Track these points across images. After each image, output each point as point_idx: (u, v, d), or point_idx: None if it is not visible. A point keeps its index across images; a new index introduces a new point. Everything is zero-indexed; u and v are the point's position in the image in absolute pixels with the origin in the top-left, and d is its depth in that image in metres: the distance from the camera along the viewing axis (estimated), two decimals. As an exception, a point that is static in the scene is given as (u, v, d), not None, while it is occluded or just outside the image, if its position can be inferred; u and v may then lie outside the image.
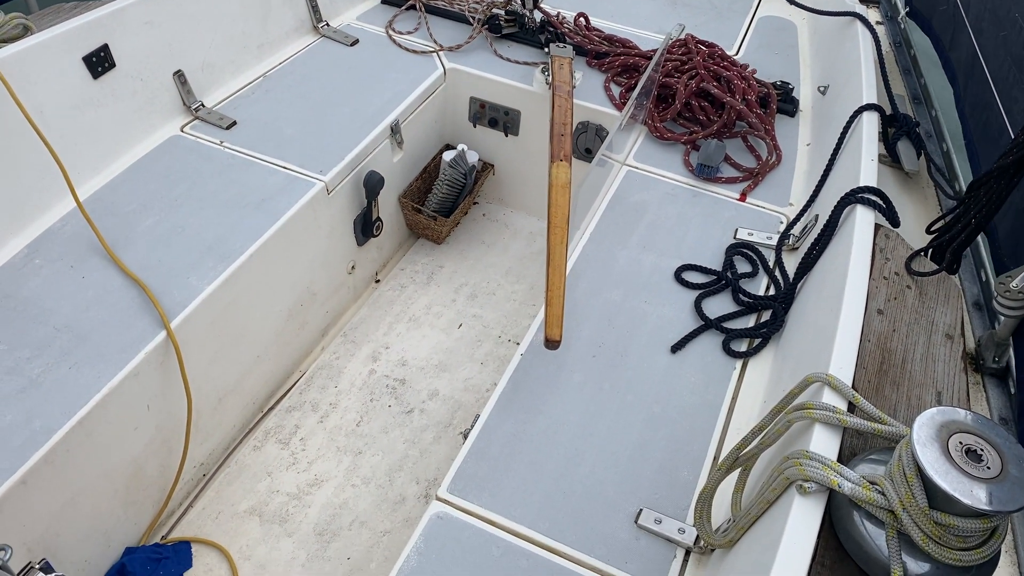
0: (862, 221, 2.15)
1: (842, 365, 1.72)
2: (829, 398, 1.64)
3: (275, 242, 2.66)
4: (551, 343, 2.13)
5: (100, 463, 2.21)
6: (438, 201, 3.37)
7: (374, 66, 3.35)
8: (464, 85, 3.43)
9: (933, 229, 2.33)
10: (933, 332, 1.91)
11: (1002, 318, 2.04)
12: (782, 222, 2.78)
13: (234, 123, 3.02)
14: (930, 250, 2.22)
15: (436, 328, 3.20)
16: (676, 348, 2.36)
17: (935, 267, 2.06)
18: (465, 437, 2.13)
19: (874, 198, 2.20)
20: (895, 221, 2.20)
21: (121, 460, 2.28)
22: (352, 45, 3.46)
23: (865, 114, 2.61)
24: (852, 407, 1.63)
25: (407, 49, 3.46)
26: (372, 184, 2.98)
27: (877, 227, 2.19)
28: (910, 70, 3.47)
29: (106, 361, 2.19)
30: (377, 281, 3.40)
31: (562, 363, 2.29)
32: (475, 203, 3.74)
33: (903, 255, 2.11)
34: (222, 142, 2.93)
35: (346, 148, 2.95)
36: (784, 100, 3.23)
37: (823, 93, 3.22)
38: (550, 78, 3.09)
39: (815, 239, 2.36)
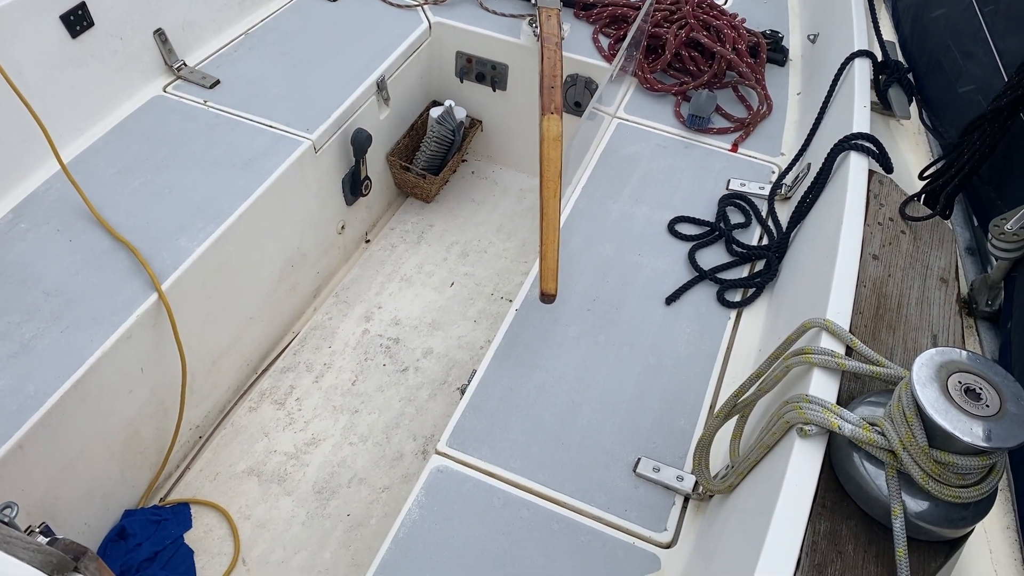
0: (856, 167, 2.14)
1: (839, 311, 1.73)
2: (827, 343, 1.64)
3: (264, 202, 2.63)
4: (547, 297, 2.12)
5: (96, 426, 2.20)
6: (426, 159, 3.33)
7: (358, 22, 3.29)
8: (450, 39, 3.38)
9: (927, 175, 2.33)
10: (928, 276, 1.92)
11: (995, 262, 2.05)
12: (774, 172, 2.77)
13: (217, 82, 2.96)
14: (924, 195, 2.22)
15: (428, 287, 3.19)
16: (671, 300, 2.36)
17: (929, 212, 2.06)
18: (462, 392, 2.13)
19: (868, 144, 2.19)
20: (888, 167, 2.20)
21: (117, 423, 2.27)
22: (335, 0, 3.40)
23: (857, 61, 2.59)
24: (850, 351, 1.64)
25: (391, 3, 3.40)
26: (360, 142, 2.95)
27: (871, 173, 2.18)
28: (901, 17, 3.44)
29: (98, 324, 2.17)
30: (367, 241, 3.37)
31: (557, 317, 2.29)
32: (464, 160, 3.71)
33: (897, 200, 2.10)
34: (206, 101, 2.88)
35: (332, 106, 2.91)
36: (774, 49, 3.20)
37: (813, 42, 3.19)
38: (538, 30, 3.04)
39: (808, 187, 2.35)
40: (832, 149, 2.24)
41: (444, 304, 3.13)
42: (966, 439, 1.29)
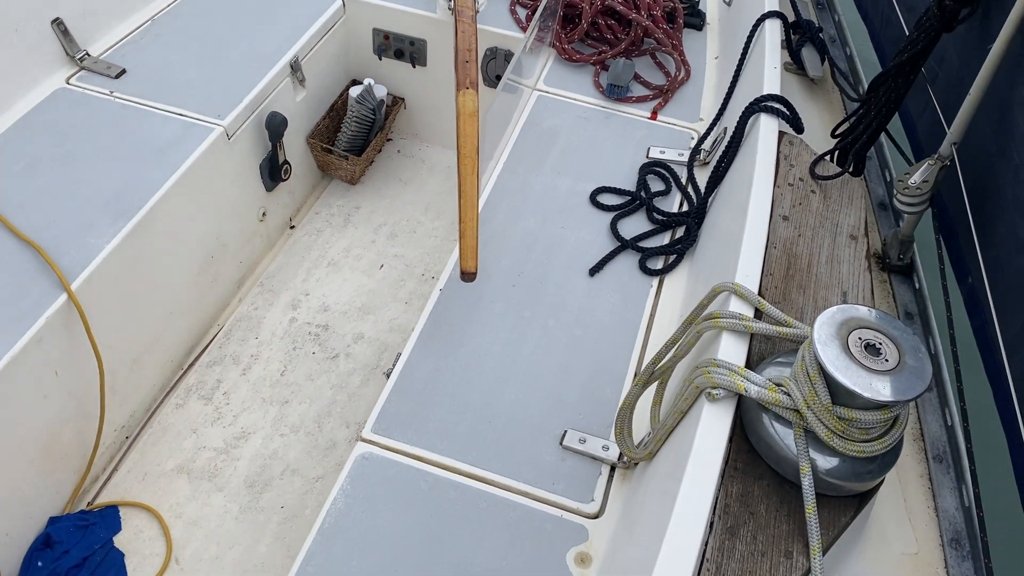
0: (766, 129, 2.17)
1: (748, 273, 1.75)
2: (736, 306, 1.66)
3: (177, 193, 2.56)
4: (467, 275, 2.11)
5: (10, 435, 2.14)
6: (348, 139, 3.28)
7: (269, 3, 3.21)
8: (365, 16, 3.32)
9: (837, 133, 2.37)
10: (837, 234, 1.95)
11: (905, 216, 2.10)
12: (693, 138, 2.79)
13: (123, 71, 2.87)
14: (835, 153, 2.25)
15: (357, 271, 3.15)
16: (594, 271, 2.37)
17: (838, 171, 2.09)
18: (388, 377, 2.12)
19: (777, 106, 2.22)
20: (799, 127, 2.22)
21: (33, 429, 2.21)
22: (246, -21, 3.30)
23: (767, 22, 2.61)
24: (759, 313, 1.66)
25: (302, -19, 3.32)
26: (275, 126, 2.89)
27: (781, 135, 2.21)
28: None
29: (3, 330, 2.10)
30: (292, 227, 3.32)
31: (482, 295, 2.28)
32: (388, 139, 3.66)
33: (807, 161, 2.14)
34: (112, 92, 2.79)
35: (244, 90, 2.85)
36: (690, 14, 3.21)
37: (728, 4, 3.21)
38: (452, 4, 3.00)
39: (723, 152, 2.37)
40: (743, 112, 2.26)
41: (374, 287, 3.10)
42: (866, 394, 1.32)
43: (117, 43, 2.99)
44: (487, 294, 2.29)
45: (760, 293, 1.79)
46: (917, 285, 2.13)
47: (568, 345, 2.17)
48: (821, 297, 1.80)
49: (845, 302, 1.81)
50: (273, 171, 3.02)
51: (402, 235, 3.30)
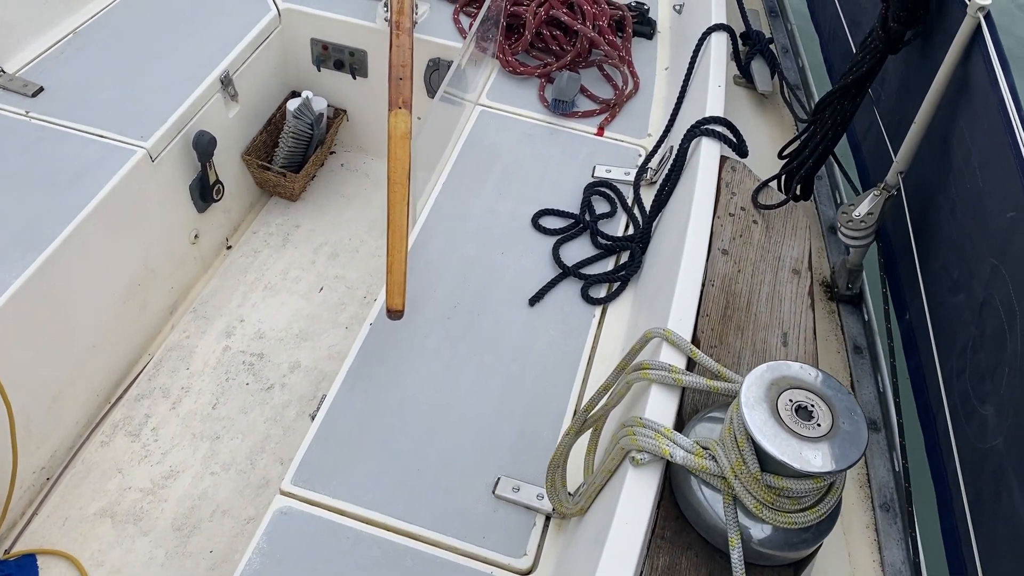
0: (707, 155, 2.07)
1: (681, 317, 1.66)
2: (667, 355, 1.57)
3: (95, 221, 2.43)
4: (393, 314, 2.01)
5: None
6: (285, 155, 3.15)
7: (199, 14, 3.07)
8: (302, 26, 3.19)
9: (784, 154, 2.28)
10: (780, 268, 1.86)
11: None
12: (640, 155, 2.69)
13: (41, 89, 2.72)
14: (781, 177, 2.17)
15: (295, 294, 3.03)
16: (534, 300, 2.27)
17: (782, 199, 2.00)
18: (313, 419, 2.01)
19: (720, 129, 2.12)
20: (742, 151, 2.13)
21: (-66, 482, 2.08)
22: (174, -13, 3.16)
23: (713, 36, 2.52)
24: (692, 363, 1.57)
25: (235, -11, 3.17)
26: (203, 145, 2.75)
27: (724, 160, 2.11)
28: None
29: None
30: (228, 247, 3.19)
31: (415, 329, 2.18)
32: (332, 153, 3.53)
33: (750, 187, 2.04)
34: (27, 112, 2.64)
35: (170, 108, 2.71)
36: (640, 22, 3.11)
37: (679, 12, 3.11)
38: (389, 15, 2.88)
39: (667, 174, 2.28)
40: (685, 135, 2.17)
41: (313, 312, 2.98)
42: (797, 465, 1.23)
43: (35, 58, 2.84)
44: (420, 328, 2.18)
45: (695, 335, 1.70)
46: (866, 317, 2.05)
47: (504, 383, 2.07)
48: (760, 339, 1.71)
49: (785, 344, 1.73)
50: (204, 192, 2.89)
51: (344, 255, 3.17)
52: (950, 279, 1.56)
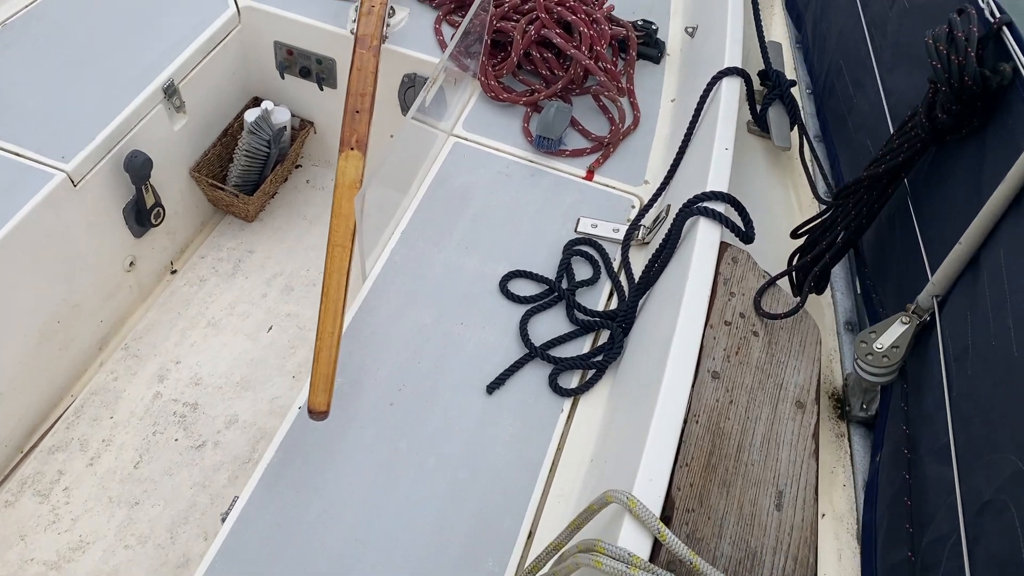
0: (703, 241, 1.75)
1: (653, 475, 1.35)
2: (627, 534, 1.26)
3: (2, 254, 2.13)
4: (315, 414, 1.70)
5: None
6: (239, 175, 2.84)
7: (147, 8, 2.73)
8: (264, 27, 2.85)
9: (799, 234, 1.95)
10: (780, 400, 1.55)
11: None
12: (634, 206, 2.36)
13: None
14: (792, 273, 1.84)
15: (240, 333, 2.73)
16: (493, 387, 1.96)
17: (791, 307, 1.67)
18: (223, 522, 1.72)
19: (720, 209, 1.79)
20: (747, 236, 1.80)
21: None
22: (120, -22, 2.82)
23: (724, 82, 2.17)
24: (658, 545, 1.27)
25: (191, -20, 2.83)
26: (136, 168, 2.44)
27: (724, 247, 1.79)
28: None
29: None
30: (174, 271, 2.88)
31: (351, 417, 1.88)
32: (297, 166, 3.21)
33: (753, 285, 1.72)
34: None
35: (100, 123, 2.40)
36: (646, 43, 2.75)
37: (691, 35, 2.75)
38: (353, 26, 2.53)
39: (657, 249, 1.95)
40: (679, 213, 1.84)
41: (258, 355, 2.68)
42: None
43: None
44: (357, 416, 1.88)
45: (670, 492, 1.39)
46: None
47: (449, 496, 1.77)
48: (749, 499, 1.40)
49: (779, 507, 1.42)
50: (140, 217, 2.59)
51: (299, 288, 2.87)
52: (990, 443, 1.25)
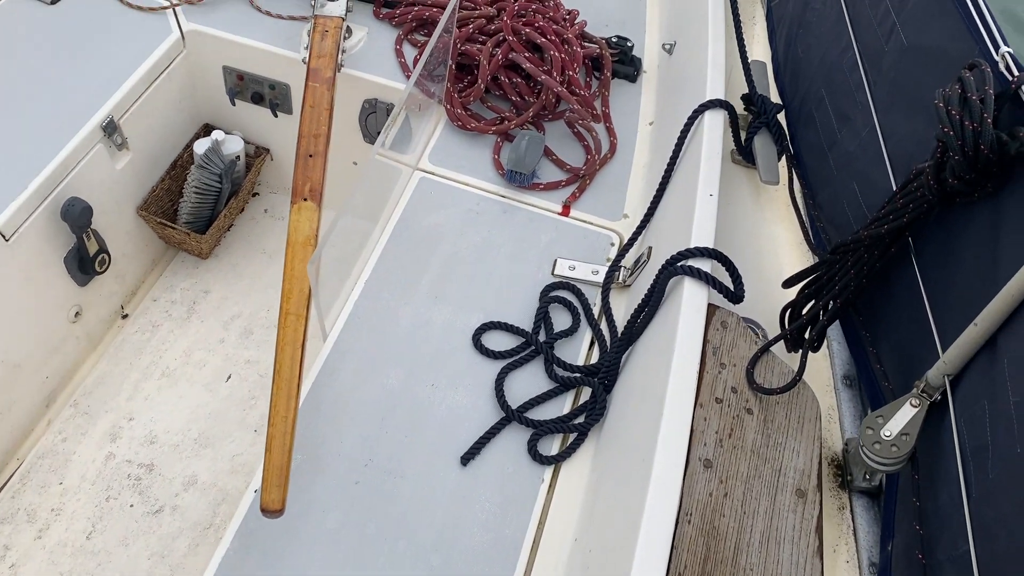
0: (689, 305, 1.61)
1: (642, 595, 1.22)
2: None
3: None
4: (269, 513, 1.56)
5: None
6: (189, 212, 2.67)
7: (83, 37, 2.54)
8: (212, 52, 2.67)
9: (793, 282, 1.81)
10: (780, 488, 1.43)
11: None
12: (613, 243, 2.23)
13: None
14: (786, 335, 1.71)
15: (197, 384, 2.57)
16: (467, 458, 1.83)
17: (787, 381, 1.55)
18: None
19: (706, 268, 1.65)
20: (737, 297, 1.67)
21: None
22: (53, 3, 2.62)
23: (707, 115, 2.02)
24: None
25: (130, 4, 2.64)
26: (74, 217, 2.27)
27: (712, 309, 1.65)
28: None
29: None
30: (125, 316, 2.71)
31: (313, 498, 1.74)
32: (255, 194, 3.04)
33: (745, 352, 1.59)
34: None
35: (32, 170, 2.22)
36: (622, 61, 2.60)
37: (669, 52, 2.60)
38: (305, 55, 2.36)
39: (640, 304, 1.82)
40: (660, 272, 1.70)
41: (216, 408, 2.53)
42: None
43: None
44: (320, 498, 1.74)
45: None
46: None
47: (420, 585, 1.64)
48: (749, 612, 1.28)
49: (783, 619, 1.29)
50: (83, 265, 2.41)
51: (259, 331, 2.71)
52: (1019, 563, 1.13)
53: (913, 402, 1.35)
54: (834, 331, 1.90)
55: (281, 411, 1.65)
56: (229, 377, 2.60)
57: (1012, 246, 1.25)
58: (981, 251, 1.33)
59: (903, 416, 1.35)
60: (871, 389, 1.63)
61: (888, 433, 1.35)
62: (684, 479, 1.38)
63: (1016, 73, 1.25)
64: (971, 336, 1.27)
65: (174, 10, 2.65)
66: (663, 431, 1.42)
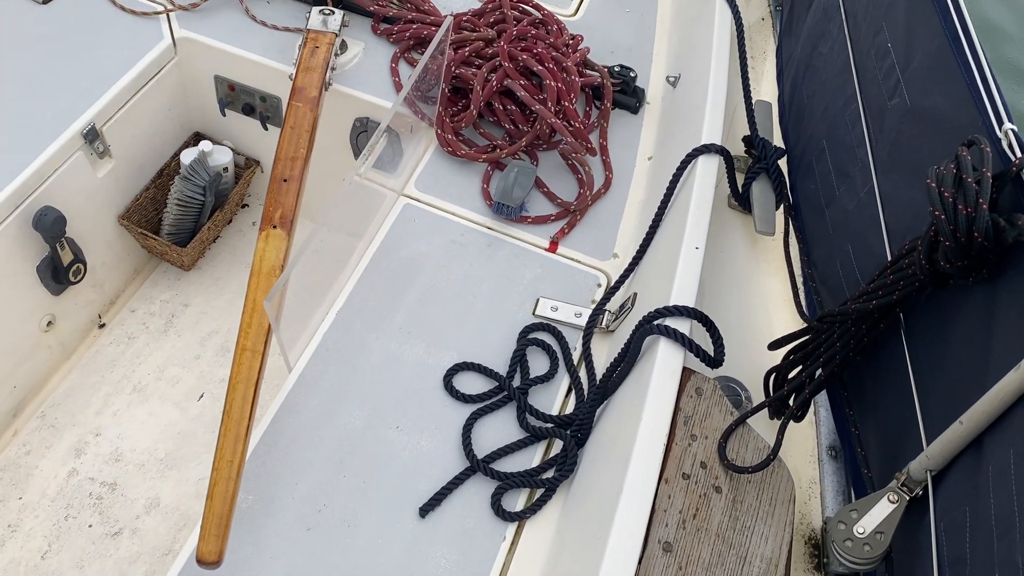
0: (663, 370, 1.52)
1: None
2: None
3: None
4: (205, 565, 1.48)
5: None
6: (171, 224, 2.60)
7: (71, 39, 2.48)
8: (204, 61, 2.60)
9: (779, 345, 1.72)
10: (742, 579, 1.32)
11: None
12: (600, 284, 2.14)
13: None
14: (769, 404, 1.61)
15: (168, 401, 2.51)
16: (426, 510, 1.75)
17: (762, 459, 1.45)
18: None
19: (683, 330, 1.55)
20: (715, 362, 1.57)
21: None
22: (45, 3, 2.56)
23: (700, 160, 1.92)
24: None
25: (123, 8, 2.57)
26: (46, 227, 2.21)
27: (688, 374, 1.56)
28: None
29: None
30: (102, 325, 2.65)
31: (262, 543, 1.67)
32: (244, 206, 2.97)
33: (718, 425, 1.49)
34: None
35: (3, 178, 2.16)
36: (623, 91, 2.50)
37: (673, 85, 2.50)
38: (293, 72, 2.28)
39: (615, 359, 1.72)
40: (635, 331, 1.60)
41: (186, 428, 2.46)
42: None
43: None
44: (269, 543, 1.66)
45: None
46: None
47: (366, 647, 1.56)
48: None
49: None
50: (57, 274, 2.35)
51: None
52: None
53: (891, 497, 1.25)
54: (823, 396, 1.80)
55: (227, 455, 1.57)
56: (201, 396, 2.53)
57: (1004, 339, 1.15)
58: (974, 338, 1.23)
59: (879, 512, 1.25)
60: (853, 469, 1.53)
61: (861, 530, 1.25)
62: (640, 563, 1.29)
63: (1019, 154, 1.15)
64: (956, 434, 1.17)
65: (167, 16, 2.58)
66: (621, 509, 1.33)
